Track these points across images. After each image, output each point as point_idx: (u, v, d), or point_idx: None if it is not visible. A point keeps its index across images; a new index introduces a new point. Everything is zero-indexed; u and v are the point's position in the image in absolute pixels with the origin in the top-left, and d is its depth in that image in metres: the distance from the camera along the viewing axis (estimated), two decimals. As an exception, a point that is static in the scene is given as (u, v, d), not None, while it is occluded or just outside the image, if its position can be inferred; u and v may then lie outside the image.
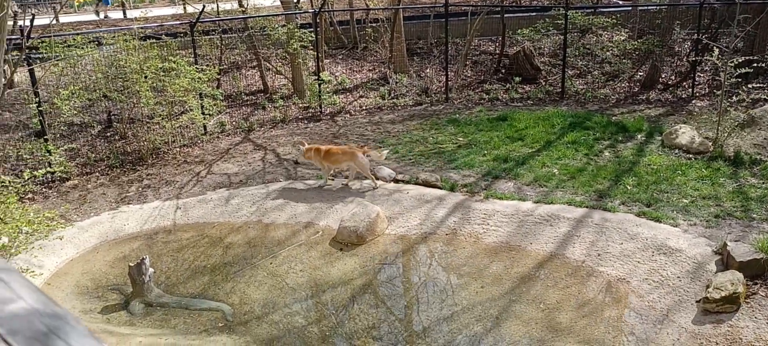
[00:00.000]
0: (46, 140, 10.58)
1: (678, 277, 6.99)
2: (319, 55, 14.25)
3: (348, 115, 13.68)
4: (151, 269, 7.47)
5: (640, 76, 14.93)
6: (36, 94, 10.36)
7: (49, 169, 10.04)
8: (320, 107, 13.82)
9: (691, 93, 13.75)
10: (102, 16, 23.93)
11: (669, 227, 7.82)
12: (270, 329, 6.90)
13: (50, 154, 10.35)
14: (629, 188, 8.98)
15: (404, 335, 6.83)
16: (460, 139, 11.52)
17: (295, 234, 8.92)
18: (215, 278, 8.00)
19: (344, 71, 16.28)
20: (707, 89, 13.84)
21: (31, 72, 10.39)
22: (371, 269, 8.06)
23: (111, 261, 8.43)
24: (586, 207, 8.50)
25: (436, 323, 6.93)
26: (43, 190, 10.23)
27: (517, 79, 14.85)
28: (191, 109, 11.71)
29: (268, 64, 15.31)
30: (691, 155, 10.04)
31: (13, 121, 12.23)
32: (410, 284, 7.90)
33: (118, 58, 11.63)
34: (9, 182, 8.31)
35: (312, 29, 14.06)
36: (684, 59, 14.94)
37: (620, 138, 11.03)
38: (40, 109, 10.39)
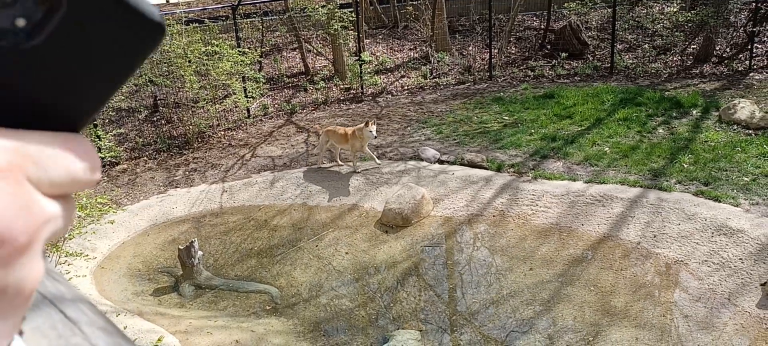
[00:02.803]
0: (95, 126, 10.77)
1: (740, 259, 6.68)
2: (360, 36, 14.12)
3: (390, 96, 13.54)
4: (200, 252, 7.55)
5: (693, 49, 14.32)
6: (85, 80, 10.53)
7: (99, 154, 10.21)
8: (362, 88, 13.72)
9: (749, 65, 13.11)
10: None
11: (729, 206, 7.47)
12: (317, 312, 6.90)
13: (100, 140, 10.54)
14: (685, 166, 8.62)
15: (451, 319, 6.73)
16: (506, 118, 11.27)
17: (340, 216, 8.89)
18: (262, 260, 8.04)
19: (385, 51, 16.12)
20: (766, 61, 13.17)
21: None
22: (417, 252, 7.98)
23: (161, 244, 8.56)
24: (640, 186, 8.20)
25: (484, 306, 6.81)
26: (94, 174, 10.44)
27: (564, 54, 14.43)
28: (235, 93, 11.76)
29: (308, 46, 15.26)
30: (751, 131, 9.57)
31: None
32: (457, 266, 7.79)
33: (163, 43, 11.72)
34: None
35: (352, 9, 13.93)
36: (740, 30, 14.25)
37: (674, 114, 10.60)
38: (89, 95, 10.56)
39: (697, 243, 7.08)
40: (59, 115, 0.34)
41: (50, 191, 0.32)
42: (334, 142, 9.74)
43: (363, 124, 9.31)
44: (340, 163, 9.92)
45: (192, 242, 7.50)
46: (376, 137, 9.45)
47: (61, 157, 0.33)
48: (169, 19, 11.92)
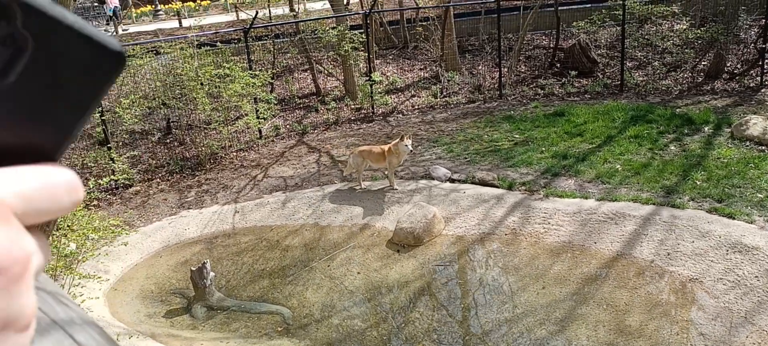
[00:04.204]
0: (109, 149, 10.90)
1: (756, 276, 6.60)
2: (370, 56, 14.22)
3: (400, 115, 13.59)
4: (212, 273, 7.57)
5: (704, 65, 14.29)
6: (99, 104, 10.68)
7: (112, 176, 10.33)
8: (372, 108, 13.79)
9: (760, 82, 13.05)
10: (121, 29, 23.74)
11: (744, 223, 7.41)
12: (329, 333, 6.88)
13: (114, 162, 10.65)
14: (698, 183, 8.57)
15: (464, 339, 6.69)
16: (516, 136, 11.27)
17: (351, 236, 8.90)
18: (274, 281, 8.05)
19: (395, 71, 16.21)
20: (778, 77, 13.10)
21: (94, 83, 10.71)
22: (429, 271, 7.96)
23: (173, 265, 8.60)
24: (653, 204, 8.15)
25: (497, 326, 6.76)
26: (108, 197, 10.54)
27: (573, 73, 14.44)
28: (246, 114, 11.86)
29: (319, 67, 15.39)
30: (764, 147, 9.50)
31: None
32: (469, 286, 7.75)
33: (175, 67, 11.88)
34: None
35: (362, 30, 14.04)
36: (751, 46, 14.21)
37: (686, 131, 10.55)
38: (102, 118, 10.72)
39: (711, 261, 7.01)
40: (35, 148, 0.36)
41: (34, 222, 0.35)
42: (369, 162, 9.65)
43: (398, 139, 9.30)
44: (361, 183, 9.87)
45: (204, 263, 7.53)
46: (412, 151, 9.46)
47: (43, 188, 0.35)
48: (181, 43, 12.09)
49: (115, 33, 22.37)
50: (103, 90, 0.37)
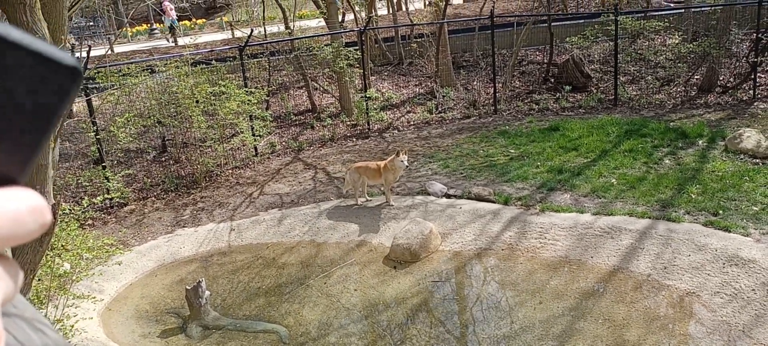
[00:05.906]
0: (104, 167, 10.86)
1: (753, 289, 6.60)
2: (366, 73, 14.26)
3: (396, 131, 13.61)
4: (207, 292, 7.52)
5: (697, 79, 14.39)
6: (93, 123, 10.66)
7: (107, 195, 10.28)
8: (368, 124, 13.81)
9: (753, 95, 13.14)
10: (170, 41, 24.12)
11: (740, 236, 7.41)
12: (326, 351, 6.83)
13: (108, 181, 10.61)
14: (694, 196, 8.58)
15: (463, 355, 6.64)
16: (512, 151, 11.29)
17: (348, 253, 8.87)
18: (270, 299, 8.00)
19: (391, 87, 16.25)
20: (770, 90, 13.20)
21: (89, 102, 10.71)
22: (426, 287, 7.92)
23: (168, 284, 8.54)
24: (649, 218, 8.15)
25: (495, 342, 6.72)
26: (102, 216, 10.49)
27: (567, 87, 14.52)
28: (242, 132, 11.86)
29: (315, 84, 15.43)
30: (758, 160, 9.55)
31: (72, 151, 12.64)
32: (466, 301, 7.72)
33: (171, 85, 11.89)
34: (70, 209, 8.52)
35: (357, 47, 14.10)
36: (743, 60, 14.32)
37: (680, 144, 10.60)
38: (97, 137, 10.69)
39: (708, 274, 7.00)
40: None
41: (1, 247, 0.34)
42: (365, 178, 9.66)
43: (394, 155, 9.32)
44: (367, 197, 9.88)
45: (199, 281, 7.48)
46: (407, 167, 9.47)
47: (5, 213, 0.34)
48: (176, 61, 12.11)
49: (174, 44, 22.73)
50: (61, 106, 0.36)
